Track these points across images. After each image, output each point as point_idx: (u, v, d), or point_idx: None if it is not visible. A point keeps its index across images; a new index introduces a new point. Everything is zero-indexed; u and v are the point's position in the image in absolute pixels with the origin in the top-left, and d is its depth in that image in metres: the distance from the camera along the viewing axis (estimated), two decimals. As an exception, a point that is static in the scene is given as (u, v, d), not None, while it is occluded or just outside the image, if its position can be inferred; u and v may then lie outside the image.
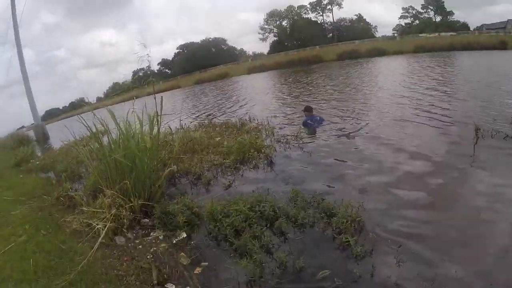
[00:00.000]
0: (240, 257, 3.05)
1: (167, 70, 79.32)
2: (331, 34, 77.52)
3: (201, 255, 3.34)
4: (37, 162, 9.61)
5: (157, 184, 4.50)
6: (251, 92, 21.06)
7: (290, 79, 25.05)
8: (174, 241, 3.61)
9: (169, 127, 6.73)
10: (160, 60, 79.68)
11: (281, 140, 6.69)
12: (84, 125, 4.71)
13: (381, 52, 40.12)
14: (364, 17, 79.47)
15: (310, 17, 78.32)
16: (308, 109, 8.17)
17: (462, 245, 2.95)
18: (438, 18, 73.11)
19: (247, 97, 18.16)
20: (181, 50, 78.24)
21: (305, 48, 59.11)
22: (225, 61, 65.44)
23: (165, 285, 2.90)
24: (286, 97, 15.20)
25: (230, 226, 3.46)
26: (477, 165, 4.48)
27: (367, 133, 6.62)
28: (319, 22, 78.96)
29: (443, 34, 51.55)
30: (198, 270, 3.11)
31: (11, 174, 8.78)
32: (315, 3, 78.43)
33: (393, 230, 3.27)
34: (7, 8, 22.79)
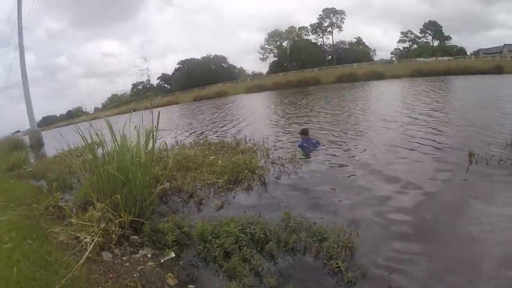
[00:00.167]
0: (229, 280, 3.02)
1: (166, 85, 79.98)
2: (330, 56, 79.17)
3: (188, 277, 3.28)
4: (30, 169, 9.53)
5: (149, 200, 4.45)
6: (247, 112, 21.28)
7: (286, 100, 25.32)
8: (162, 260, 3.54)
9: (165, 142, 6.73)
10: (160, 75, 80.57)
11: (276, 162, 6.69)
12: (80, 134, 4.70)
13: (378, 76, 40.67)
14: (363, 40, 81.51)
15: (311, 39, 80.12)
16: (304, 132, 8.22)
17: (453, 274, 2.96)
18: (436, 43, 75.26)
19: (243, 116, 18.32)
20: (181, 66, 79.18)
21: (304, 69, 60.15)
22: (224, 79, 66.32)
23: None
24: (280, 119, 15.35)
25: (220, 248, 3.42)
26: (469, 192, 4.50)
27: (358, 160, 6.62)
28: (319, 44, 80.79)
29: (440, 58, 52.94)
30: (185, 291, 3.06)
31: (3, 178, 8.65)
32: (316, 25, 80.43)
33: (384, 257, 3.27)
34: (12, 10, 23.29)
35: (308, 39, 79.99)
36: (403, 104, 14.95)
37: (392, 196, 4.75)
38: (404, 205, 4.38)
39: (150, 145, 4.75)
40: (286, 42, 79.77)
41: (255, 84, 50.99)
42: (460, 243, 3.41)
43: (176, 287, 3.13)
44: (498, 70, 37.77)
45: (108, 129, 4.69)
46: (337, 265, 3.04)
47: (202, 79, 64.86)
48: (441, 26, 74.40)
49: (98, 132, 4.87)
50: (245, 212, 4.35)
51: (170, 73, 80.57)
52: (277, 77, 55.97)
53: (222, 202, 5.03)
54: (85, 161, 4.98)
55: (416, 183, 5.06)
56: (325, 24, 79.40)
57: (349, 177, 5.64)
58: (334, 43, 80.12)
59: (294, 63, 74.58)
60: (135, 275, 3.24)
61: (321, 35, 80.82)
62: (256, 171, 5.96)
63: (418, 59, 55.88)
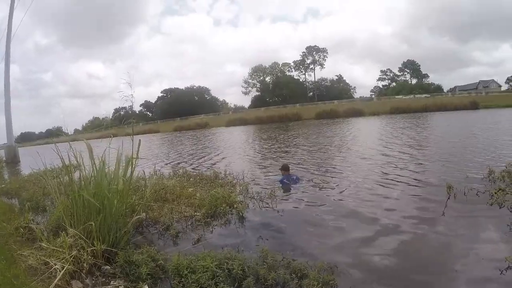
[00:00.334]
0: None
1: (148, 113, 79.79)
2: (311, 93, 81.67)
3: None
4: (3, 185, 9.11)
5: (124, 230, 4.33)
6: (227, 145, 21.48)
7: (265, 136, 25.70)
8: (135, 294, 3.42)
9: (143, 171, 6.64)
10: (143, 102, 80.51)
11: (255, 197, 6.70)
12: (58, 155, 4.60)
13: (358, 113, 42.19)
14: (344, 78, 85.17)
15: (293, 75, 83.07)
16: (285, 168, 8.34)
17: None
18: (414, 81, 79.49)
19: (223, 150, 18.47)
20: (164, 94, 79.65)
21: (286, 105, 61.70)
22: (207, 110, 67.02)
23: None
24: (258, 154, 15.59)
25: (196, 283, 3.34)
26: (450, 231, 4.57)
27: (335, 199, 6.62)
28: (301, 80, 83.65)
29: (418, 95, 55.64)
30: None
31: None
32: (298, 61, 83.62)
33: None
34: (2, 20, 23.51)
35: (290, 75, 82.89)
36: (379, 141, 15.66)
37: (372, 236, 4.77)
38: (384, 246, 4.41)
39: (129, 172, 4.69)
40: (269, 77, 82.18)
41: (237, 117, 51.78)
42: (440, 276, 3.49)
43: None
44: (474, 106, 40.46)
45: (88, 152, 4.60)
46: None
47: (185, 109, 65.30)
48: (419, 65, 79.41)
49: (77, 154, 4.78)
50: (222, 248, 4.28)
51: (153, 101, 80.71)
52: (258, 111, 57.10)
53: (199, 236, 4.94)
54: (60, 184, 4.85)
55: (394, 218, 5.16)
56: (308, 61, 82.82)
57: (328, 216, 5.67)
58: (316, 80, 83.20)
59: (276, 98, 76.55)
60: (104, 308, 3.10)
61: (304, 72, 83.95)
62: (235, 206, 5.94)
63: (396, 96, 58.56)
